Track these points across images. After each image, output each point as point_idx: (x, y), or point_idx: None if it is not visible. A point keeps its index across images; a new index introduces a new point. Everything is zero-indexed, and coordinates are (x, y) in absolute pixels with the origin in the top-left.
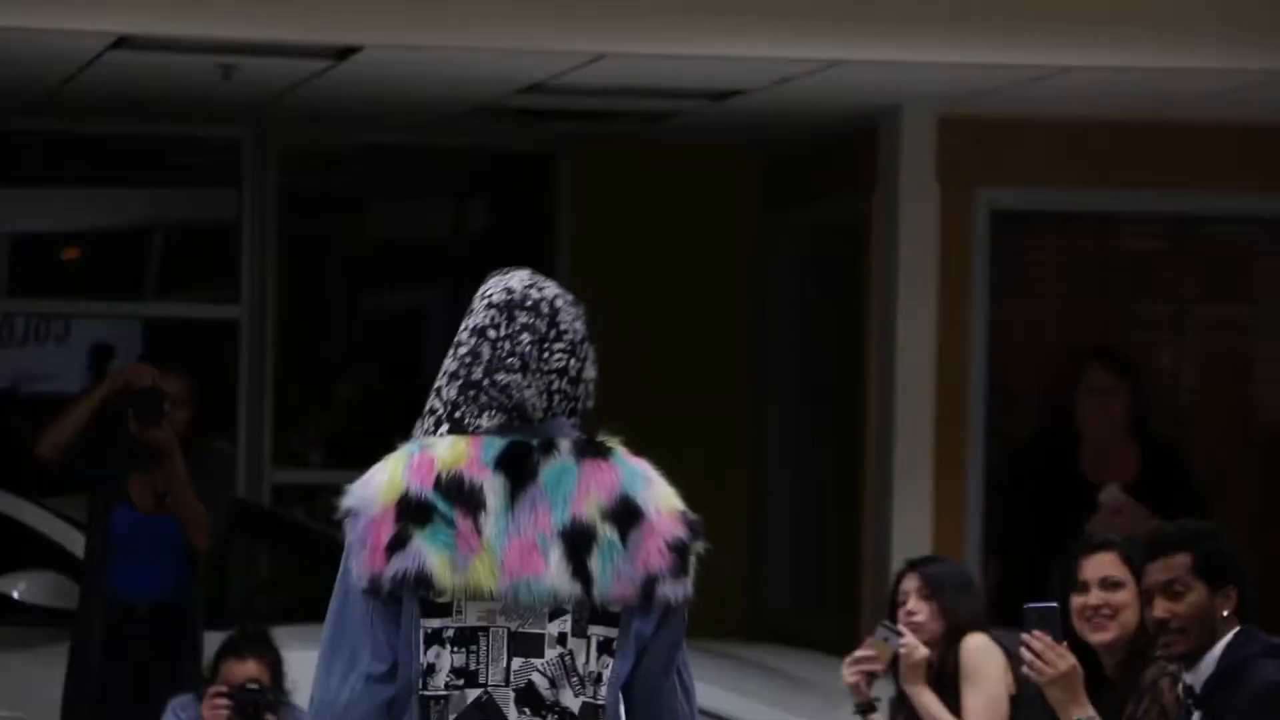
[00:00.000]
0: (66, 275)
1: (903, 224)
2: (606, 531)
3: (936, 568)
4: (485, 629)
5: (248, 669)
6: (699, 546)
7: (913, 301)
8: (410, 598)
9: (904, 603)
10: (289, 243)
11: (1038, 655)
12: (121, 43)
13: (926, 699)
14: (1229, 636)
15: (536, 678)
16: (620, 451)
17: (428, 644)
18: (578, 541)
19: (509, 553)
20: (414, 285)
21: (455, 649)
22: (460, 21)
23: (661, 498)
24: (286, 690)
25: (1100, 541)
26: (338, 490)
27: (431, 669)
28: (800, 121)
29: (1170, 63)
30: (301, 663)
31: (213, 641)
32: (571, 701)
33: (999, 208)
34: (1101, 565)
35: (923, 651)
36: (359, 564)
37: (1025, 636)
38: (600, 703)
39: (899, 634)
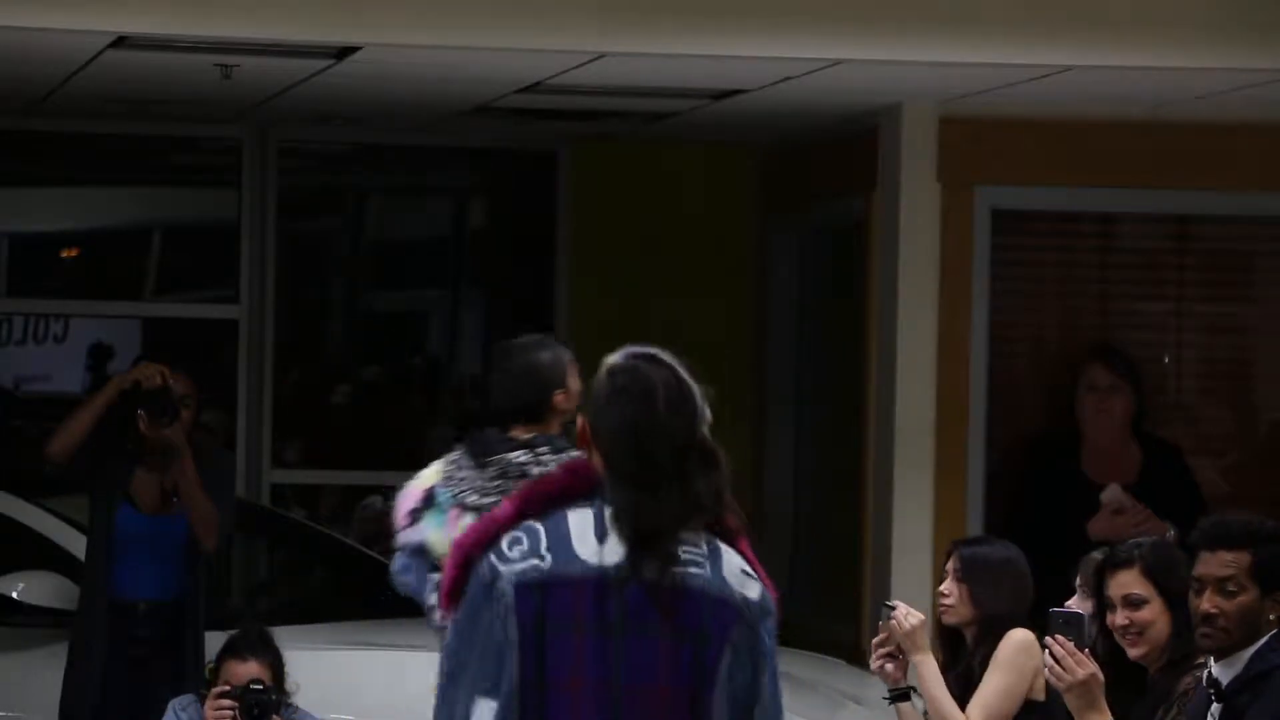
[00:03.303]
0: (66, 275)
1: (903, 224)
2: None
3: (979, 550)
4: None
5: (249, 669)
6: None
7: (913, 301)
8: None
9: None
10: (289, 243)
11: (1058, 660)
12: (121, 43)
13: (926, 670)
14: (1265, 639)
15: None
16: None
17: None
18: None
19: None
20: (414, 285)
21: None
22: (460, 21)
23: None
24: (288, 691)
25: (1123, 557)
26: (339, 490)
27: None
28: (800, 121)
29: (1170, 63)
30: (301, 663)
31: (213, 641)
32: None
33: (999, 208)
34: (1123, 583)
35: (915, 619)
36: None
37: (1049, 640)
38: None
39: (892, 607)
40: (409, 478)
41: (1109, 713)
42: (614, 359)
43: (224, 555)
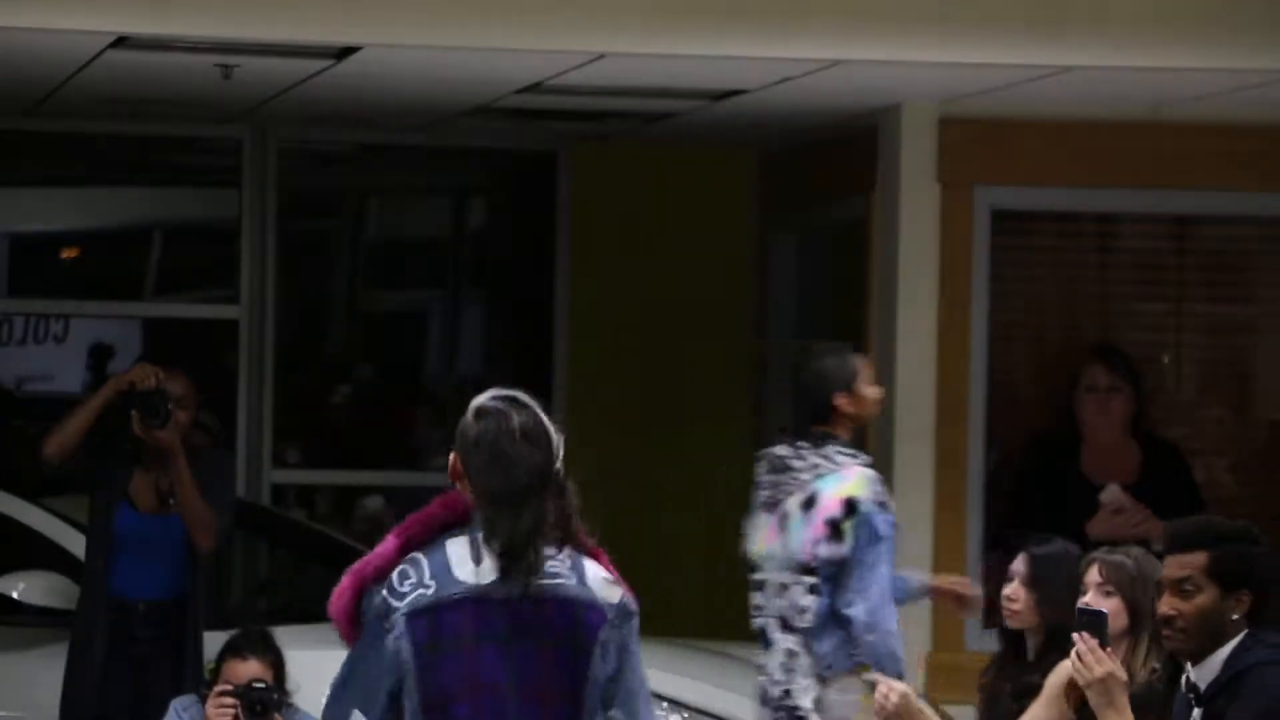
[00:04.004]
0: (66, 275)
1: (903, 224)
2: None
3: (1051, 550)
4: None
5: (250, 669)
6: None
7: (913, 301)
8: None
9: (1009, 582)
10: (289, 243)
11: (1079, 657)
12: (121, 43)
13: None
14: (1237, 639)
15: None
16: None
17: None
18: None
19: None
20: (414, 285)
21: None
22: (460, 21)
23: None
24: (288, 690)
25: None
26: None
27: None
28: (800, 121)
29: (1170, 63)
30: (301, 663)
31: (213, 641)
32: None
33: (999, 208)
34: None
35: (896, 696)
36: None
37: (1075, 635)
38: None
39: (871, 684)
40: (409, 478)
41: (1129, 712)
42: (481, 400)
43: (224, 555)
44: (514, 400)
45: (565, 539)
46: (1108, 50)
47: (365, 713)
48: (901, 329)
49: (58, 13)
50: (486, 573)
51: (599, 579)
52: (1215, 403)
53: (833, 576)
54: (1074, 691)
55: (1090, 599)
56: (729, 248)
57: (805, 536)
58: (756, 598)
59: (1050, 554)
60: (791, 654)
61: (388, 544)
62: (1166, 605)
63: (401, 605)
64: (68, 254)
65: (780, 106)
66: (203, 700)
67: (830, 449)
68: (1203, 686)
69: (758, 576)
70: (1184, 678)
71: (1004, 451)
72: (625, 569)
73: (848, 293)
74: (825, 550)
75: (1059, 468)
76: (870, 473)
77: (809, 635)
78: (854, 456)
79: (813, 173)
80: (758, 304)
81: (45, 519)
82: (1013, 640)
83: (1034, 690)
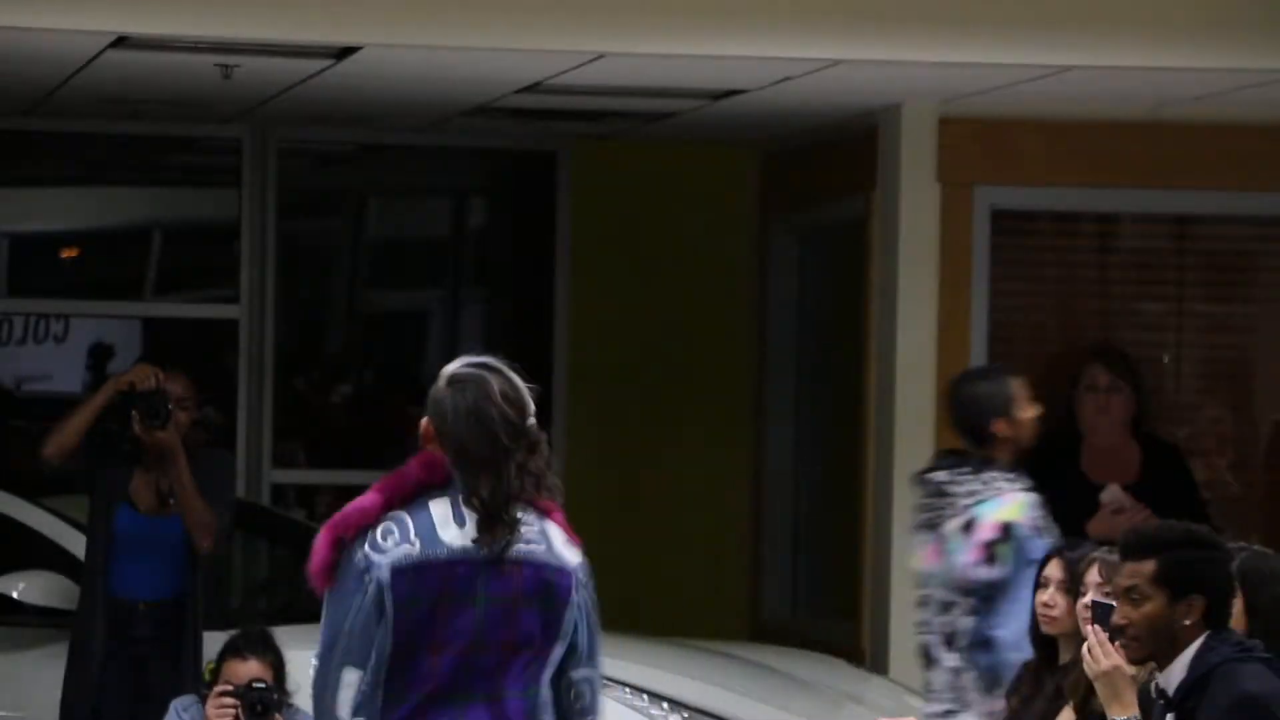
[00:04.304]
0: (66, 275)
1: (903, 224)
2: None
3: (1084, 553)
4: None
5: (251, 668)
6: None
7: (913, 301)
8: None
9: (1044, 588)
10: (289, 243)
11: (1089, 650)
12: (121, 43)
13: None
14: (1198, 642)
15: None
16: None
17: None
18: None
19: None
20: (414, 285)
21: None
22: (460, 21)
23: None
24: (289, 691)
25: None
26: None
27: None
28: (800, 122)
29: (1170, 63)
30: (302, 663)
31: (213, 642)
32: None
33: (999, 207)
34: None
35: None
36: None
37: (1088, 629)
38: None
39: None
40: None
41: (1134, 706)
42: (454, 368)
43: (224, 555)
44: (488, 366)
45: (531, 497)
46: (1108, 50)
47: (358, 666)
48: (901, 329)
49: (58, 13)
50: (469, 534)
51: (563, 542)
52: (1215, 403)
53: (986, 598)
54: (1076, 689)
55: (1092, 599)
56: (729, 248)
57: (963, 559)
58: (921, 614)
59: (1082, 554)
60: (956, 672)
61: (368, 499)
62: (1118, 614)
63: (384, 560)
64: (68, 254)
65: (780, 106)
66: (202, 700)
67: (990, 474)
68: (1170, 690)
69: (922, 593)
70: (1152, 683)
71: None
72: (626, 568)
73: (848, 293)
74: (980, 573)
75: (1059, 468)
76: (1029, 497)
77: (967, 654)
78: (1013, 481)
79: (813, 173)
80: (758, 304)
81: (45, 519)
82: (1046, 646)
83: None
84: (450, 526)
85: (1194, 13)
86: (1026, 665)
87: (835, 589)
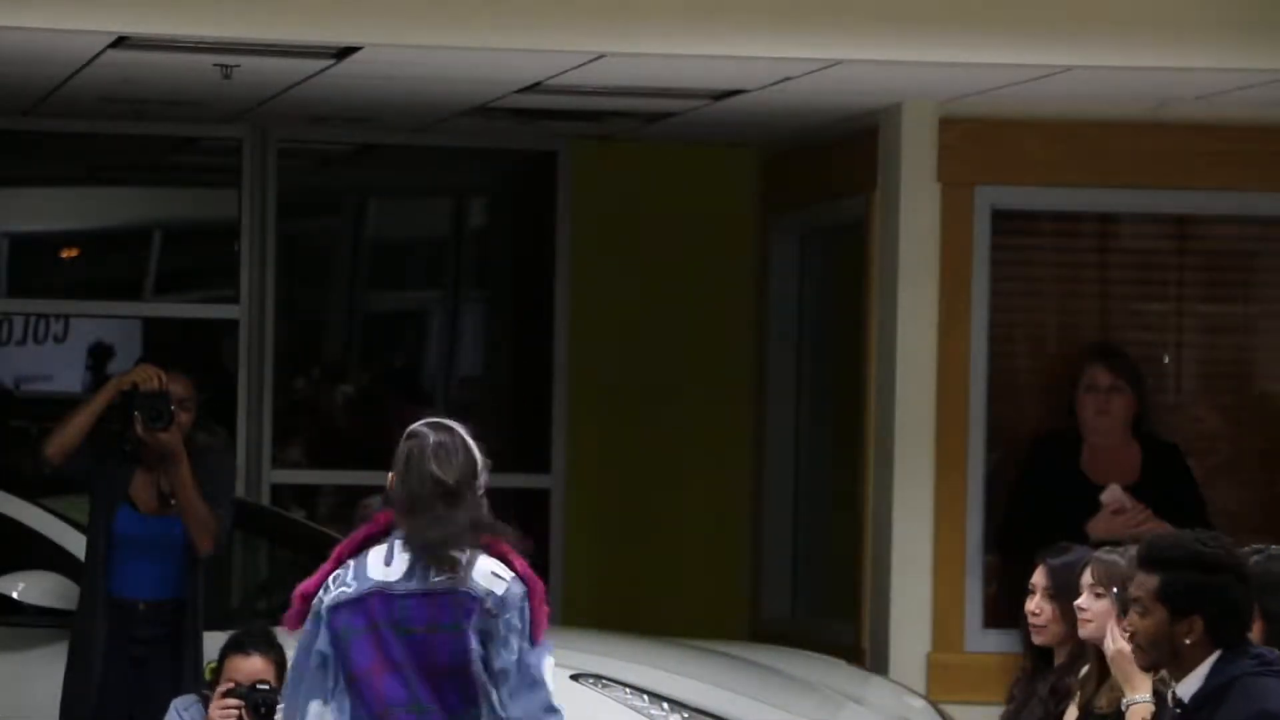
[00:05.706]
0: (66, 275)
1: (903, 224)
2: None
3: (1069, 559)
4: None
5: (253, 665)
6: None
7: (913, 301)
8: None
9: (1030, 595)
10: (289, 243)
11: (1110, 629)
12: (121, 43)
13: None
14: (1215, 656)
15: None
16: None
17: None
18: None
19: None
20: (414, 285)
21: None
22: (460, 21)
23: None
24: None
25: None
26: (338, 490)
27: None
28: (800, 121)
29: (1170, 63)
30: None
31: (213, 642)
32: None
33: (999, 208)
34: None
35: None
36: None
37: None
38: None
39: None
40: None
41: (1148, 688)
42: (413, 426)
43: (224, 555)
44: (437, 425)
45: (486, 542)
46: (1108, 50)
47: (319, 697)
48: (901, 329)
49: (58, 13)
50: (394, 571)
51: (485, 573)
52: (1215, 403)
53: None
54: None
55: (1083, 601)
56: (729, 248)
57: None
58: None
59: (1068, 563)
60: None
61: (326, 565)
62: (1128, 621)
63: (328, 598)
64: (68, 254)
65: (780, 106)
66: (203, 700)
67: None
68: (1186, 700)
69: None
70: (1169, 692)
71: (1005, 452)
72: (626, 569)
73: (848, 293)
74: None
75: (1060, 468)
76: None
77: None
78: None
79: (813, 173)
80: (758, 304)
81: (45, 519)
82: (1038, 653)
83: (1069, 692)
84: (379, 565)
85: (1194, 13)
86: (1021, 669)
87: (835, 589)
